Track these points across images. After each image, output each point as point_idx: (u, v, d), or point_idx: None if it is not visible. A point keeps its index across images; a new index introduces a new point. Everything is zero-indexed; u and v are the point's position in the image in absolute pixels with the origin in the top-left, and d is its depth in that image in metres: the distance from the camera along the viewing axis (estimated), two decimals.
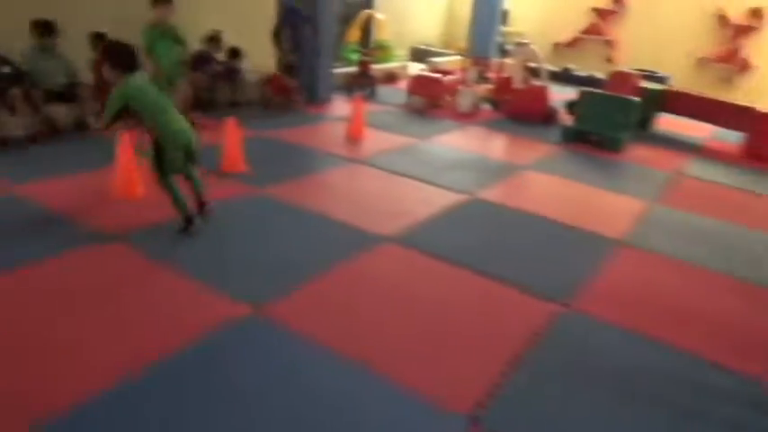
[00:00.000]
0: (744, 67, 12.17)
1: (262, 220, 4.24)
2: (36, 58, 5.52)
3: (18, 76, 5.40)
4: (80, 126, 5.79)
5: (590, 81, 11.11)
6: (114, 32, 6.37)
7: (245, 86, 7.55)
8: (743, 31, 12.07)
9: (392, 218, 4.48)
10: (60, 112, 5.68)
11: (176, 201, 3.82)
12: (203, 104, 6.90)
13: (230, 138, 5.09)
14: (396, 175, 5.52)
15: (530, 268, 3.85)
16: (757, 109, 7.92)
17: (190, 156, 3.83)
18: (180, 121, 3.76)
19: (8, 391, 2.36)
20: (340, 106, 8.15)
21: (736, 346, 3.21)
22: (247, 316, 3.01)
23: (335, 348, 2.81)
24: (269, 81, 7.64)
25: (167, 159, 3.71)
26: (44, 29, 5.48)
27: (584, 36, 13.78)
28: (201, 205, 4.01)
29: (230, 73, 7.36)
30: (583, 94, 7.71)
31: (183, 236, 3.83)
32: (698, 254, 4.38)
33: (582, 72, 12.09)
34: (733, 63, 12.26)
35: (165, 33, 5.66)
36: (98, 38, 6.11)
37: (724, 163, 7.42)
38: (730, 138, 8.48)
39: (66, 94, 5.77)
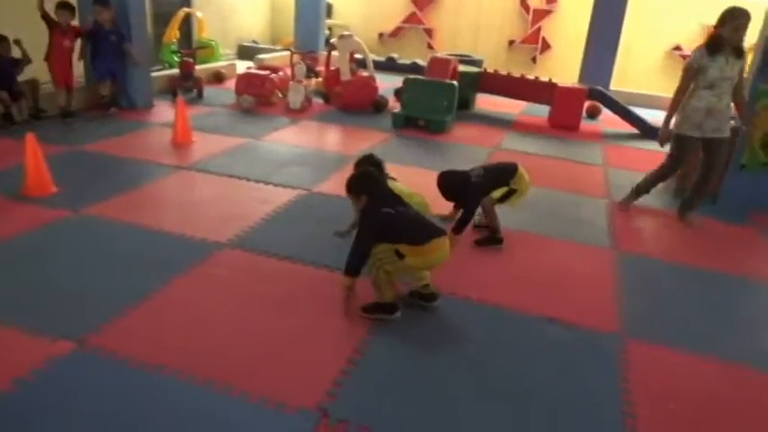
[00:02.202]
0: (544, 46, 13.57)
1: (78, 246, 3.85)
2: None
3: None
4: None
5: (414, 69, 11.61)
6: None
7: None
8: (541, 15, 13.44)
9: (227, 222, 4.33)
10: None
11: None
12: None
13: (31, 155, 4.55)
14: (229, 177, 5.34)
15: None
16: (557, 84, 8.88)
17: None
18: None
19: None
20: (164, 112, 7.66)
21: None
22: (69, 353, 2.73)
23: (173, 368, 2.66)
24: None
25: None
26: None
27: (406, 25, 14.42)
28: None
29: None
30: (407, 81, 8.06)
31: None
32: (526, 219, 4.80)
33: (406, 60, 12.62)
34: (535, 44, 13.62)
35: None
36: None
37: (533, 134, 8.24)
38: (540, 111, 9.38)
39: None
